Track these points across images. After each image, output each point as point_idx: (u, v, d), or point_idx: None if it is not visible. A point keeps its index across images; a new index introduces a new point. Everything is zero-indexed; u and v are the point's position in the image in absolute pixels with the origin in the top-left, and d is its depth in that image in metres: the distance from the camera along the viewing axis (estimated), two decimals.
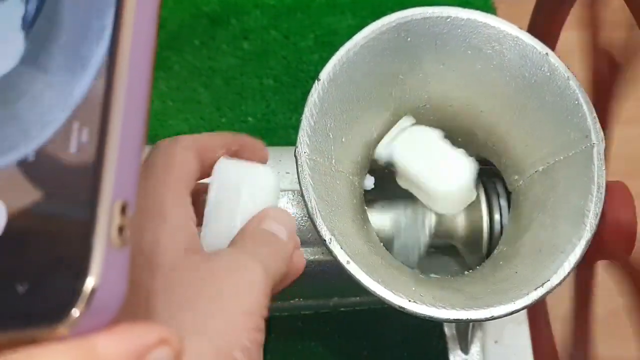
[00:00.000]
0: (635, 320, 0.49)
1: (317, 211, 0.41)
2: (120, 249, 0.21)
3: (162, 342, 0.23)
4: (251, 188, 0.35)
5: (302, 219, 0.48)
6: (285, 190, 0.49)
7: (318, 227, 0.41)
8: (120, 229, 0.21)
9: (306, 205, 0.41)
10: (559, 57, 0.45)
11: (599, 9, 0.46)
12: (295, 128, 0.70)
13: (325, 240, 0.40)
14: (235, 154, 0.36)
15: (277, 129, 0.70)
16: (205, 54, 0.73)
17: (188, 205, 0.32)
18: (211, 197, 0.34)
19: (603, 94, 0.49)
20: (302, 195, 0.41)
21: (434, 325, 0.61)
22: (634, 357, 0.52)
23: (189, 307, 0.28)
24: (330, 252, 0.40)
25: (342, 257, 0.40)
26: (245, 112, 0.71)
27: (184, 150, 0.33)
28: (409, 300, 0.39)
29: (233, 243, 0.33)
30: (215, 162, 0.35)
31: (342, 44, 0.45)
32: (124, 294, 0.21)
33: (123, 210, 0.21)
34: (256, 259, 0.31)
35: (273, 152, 0.53)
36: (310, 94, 0.44)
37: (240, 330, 0.29)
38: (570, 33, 0.57)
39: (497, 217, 0.49)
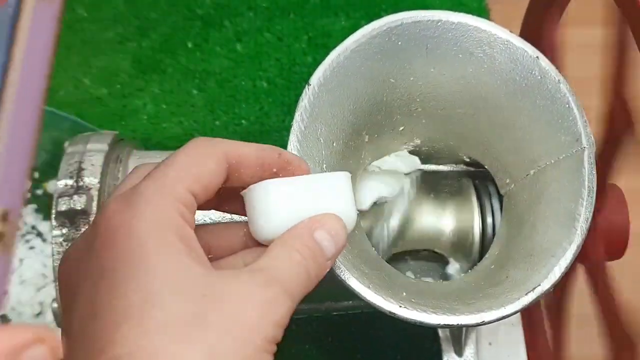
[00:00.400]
0: (602, 323, 0.50)
1: None
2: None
3: (38, 340, 0.23)
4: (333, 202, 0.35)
5: None
6: None
7: None
8: (1, 236, 0.21)
9: None
10: (550, 58, 0.45)
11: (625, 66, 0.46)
12: (289, 130, 0.70)
13: None
14: (273, 176, 0.35)
15: (271, 132, 0.70)
16: (199, 57, 0.73)
17: (176, 205, 0.31)
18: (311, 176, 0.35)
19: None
20: None
21: (428, 328, 0.61)
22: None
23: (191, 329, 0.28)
24: None
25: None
26: (239, 115, 0.71)
27: (201, 155, 0.32)
28: (400, 306, 0.39)
29: (278, 244, 0.32)
30: (249, 176, 0.34)
31: (335, 46, 0.45)
32: (2, 298, 0.21)
33: (4, 217, 0.21)
34: (286, 291, 0.31)
35: None
36: (301, 98, 0.44)
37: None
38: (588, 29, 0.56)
39: (489, 220, 0.49)
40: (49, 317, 0.60)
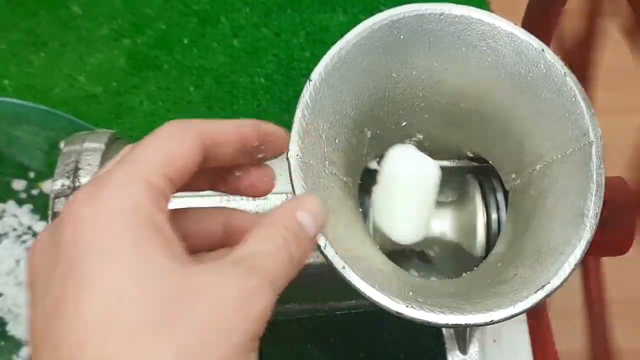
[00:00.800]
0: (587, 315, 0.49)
1: None
2: None
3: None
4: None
5: None
6: (279, 193, 0.48)
7: None
8: None
9: None
10: (553, 52, 0.44)
11: None
12: (288, 127, 0.69)
13: (319, 246, 0.39)
14: (255, 150, 0.35)
15: None
16: (195, 53, 0.72)
17: (148, 191, 0.29)
18: None
19: None
20: None
21: (432, 326, 0.60)
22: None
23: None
24: (325, 257, 0.39)
25: (338, 262, 0.39)
26: (237, 112, 0.70)
27: (174, 137, 0.31)
28: (407, 306, 0.38)
29: (258, 228, 0.31)
30: (229, 154, 0.33)
31: (333, 41, 0.44)
32: None
33: None
34: (269, 280, 0.29)
35: None
36: (302, 94, 0.43)
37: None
38: None
39: (494, 216, 0.48)
40: None
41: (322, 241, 0.40)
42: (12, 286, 0.61)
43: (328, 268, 0.46)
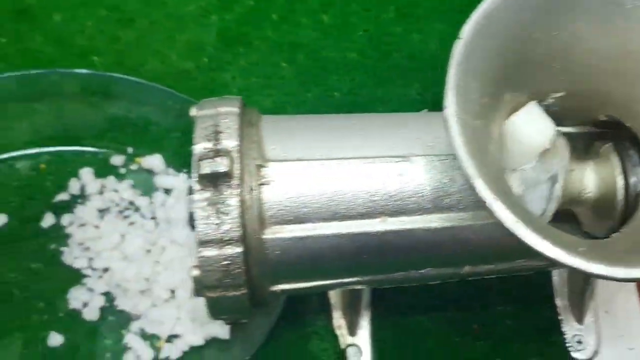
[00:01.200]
0: None
1: (476, 172, 0.39)
2: None
3: None
4: None
5: (437, 183, 0.47)
6: (417, 156, 0.47)
7: (478, 188, 0.39)
8: None
9: (463, 167, 0.40)
10: None
11: None
12: (383, 101, 0.69)
13: (486, 202, 0.39)
14: None
15: (365, 104, 0.68)
16: (285, 29, 0.71)
17: None
18: None
19: None
20: (458, 157, 0.40)
21: (545, 297, 0.59)
22: None
23: None
24: (492, 213, 0.39)
25: (508, 217, 0.39)
26: (331, 87, 0.69)
27: None
28: (586, 261, 0.37)
29: None
30: None
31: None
32: None
33: None
34: None
35: (398, 118, 0.52)
36: (452, 54, 0.43)
37: None
38: None
39: (633, 180, 0.48)
40: (155, 292, 0.59)
41: (489, 197, 0.39)
42: (118, 261, 0.60)
43: (469, 228, 0.45)
